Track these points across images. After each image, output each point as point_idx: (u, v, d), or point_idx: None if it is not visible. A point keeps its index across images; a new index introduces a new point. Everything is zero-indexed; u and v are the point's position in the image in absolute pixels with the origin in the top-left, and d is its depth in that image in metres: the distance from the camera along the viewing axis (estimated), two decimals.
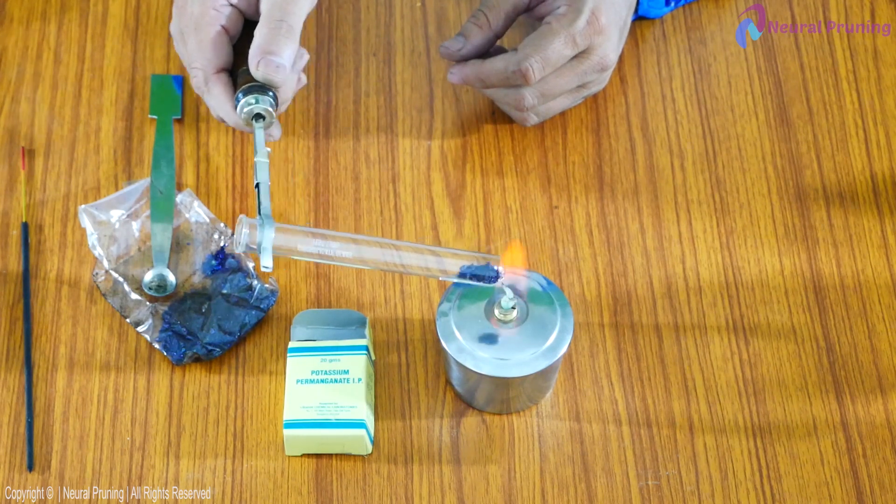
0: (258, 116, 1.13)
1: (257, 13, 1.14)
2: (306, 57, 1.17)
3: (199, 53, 1.14)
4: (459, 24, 1.27)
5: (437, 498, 1.10)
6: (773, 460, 1.10)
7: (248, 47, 1.13)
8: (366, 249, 1.06)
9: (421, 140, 1.23)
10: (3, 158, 1.22)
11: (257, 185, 1.08)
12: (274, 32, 1.11)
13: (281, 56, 1.11)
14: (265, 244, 1.04)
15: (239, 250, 1.05)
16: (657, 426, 1.12)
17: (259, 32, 1.12)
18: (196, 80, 1.15)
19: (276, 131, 1.17)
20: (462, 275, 1.06)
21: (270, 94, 1.13)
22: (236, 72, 1.15)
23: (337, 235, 1.06)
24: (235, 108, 1.13)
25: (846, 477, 1.10)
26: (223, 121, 1.16)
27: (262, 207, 1.07)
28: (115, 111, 1.24)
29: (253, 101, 1.12)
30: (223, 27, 1.14)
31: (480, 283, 1.07)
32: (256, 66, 1.11)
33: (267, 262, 1.05)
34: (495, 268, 1.06)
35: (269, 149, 1.11)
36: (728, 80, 1.25)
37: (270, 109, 1.13)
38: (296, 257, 1.06)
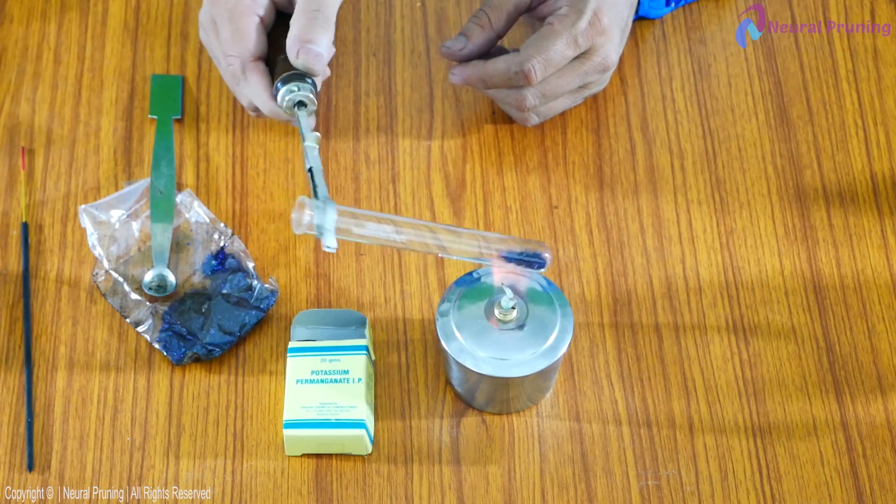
0: (300, 104, 1.13)
1: (289, 4, 1.15)
2: (333, 50, 1.18)
3: (235, 42, 1.14)
4: (459, 25, 1.27)
5: (437, 498, 1.10)
6: (773, 460, 1.11)
7: (280, 37, 1.13)
8: (420, 233, 1.07)
9: (421, 140, 1.23)
10: (3, 158, 1.22)
11: (310, 170, 1.09)
12: (311, 22, 1.12)
13: (319, 45, 1.12)
14: (328, 226, 1.05)
15: (298, 232, 1.05)
16: (657, 426, 1.12)
17: (296, 22, 1.13)
18: (232, 69, 1.15)
19: (312, 119, 1.17)
20: (509, 259, 1.07)
21: (310, 81, 1.13)
22: (269, 62, 1.15)
23: (393, 219, 1.07)
24: (274, 97, 1.14)
25: (846, 477, 1.10)
26: (256, 111, 1.17)
27: (318, 191, 1.07)
28: (115, 111, 1.24)
29: (295, 88, 1.13)
30: (259, 17, 1.15)
31: (528, 269, 1.08)
32: (296, 54, 1.12)
33: (331, 242, 1.05)
34: (543, 254, 1.07)
35: (317, 133, 1.11)
36: (728, 80, 1.25)
37: (312, 96, 1.13)
38: (351, 239, 1.06)
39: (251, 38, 1.15)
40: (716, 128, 1.23)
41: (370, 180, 1.21)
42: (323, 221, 1.05)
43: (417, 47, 1.27)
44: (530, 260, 1.08)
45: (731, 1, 1.29)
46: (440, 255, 1.09)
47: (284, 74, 1.14)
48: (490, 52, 1.20)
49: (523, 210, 1.20)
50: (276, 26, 1.17)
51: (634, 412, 1.12)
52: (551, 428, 1.12)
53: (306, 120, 1.13)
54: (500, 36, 1.20)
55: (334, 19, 1.14)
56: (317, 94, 1.14)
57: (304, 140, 1.11)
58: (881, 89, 1.25)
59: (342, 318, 1.13)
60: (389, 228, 1.07)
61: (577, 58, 1.17)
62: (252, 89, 1.15)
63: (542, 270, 1.09)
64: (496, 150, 1.23)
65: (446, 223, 1.19)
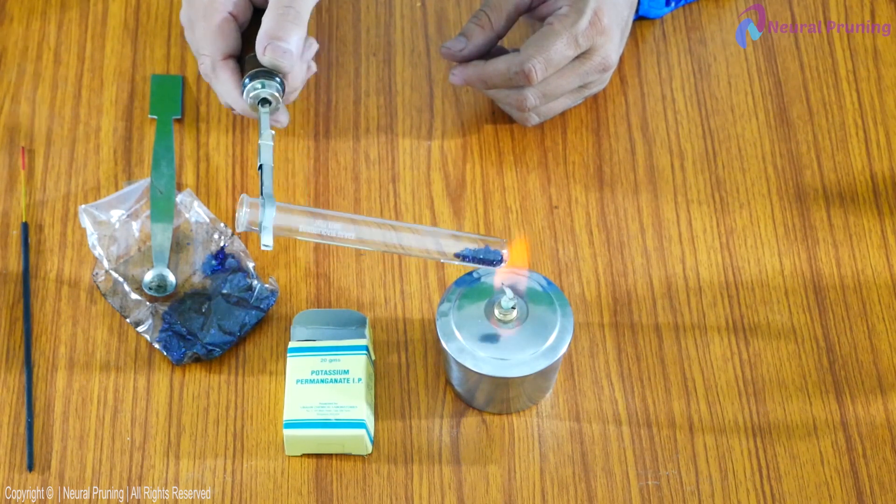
0: (264, 101, 1.13)
1: (266, 1, 1.15)
2: (315, 46, 1.18)
3: (206, 40, 1.15)
4: (459, 25, 1.27)
5: (437, 498, 1.10)
6: (773, 460, 1.11)
7: (257, 34, 1.13)
8: (367, 230, 1.07)
9: (421, 140, 1.23)
10: (3, 158, 1.22)
11: (260, 167, 1.09)
12: (281, 18, 1.12)
13: (288, 42, 1.12)
14: (266, 223, 1.05)
15: (240, 229, 1.06)
16: (657, 426, 1.12)
17: (266, 18, 1.13)
18: (204, 67, 1.16)
19: (283, 117, 1.17)
20: (464, 257, 1.07)
21: (277, 79, 1.13)
22: (244, 59, 1.15)
23: (338, 216, 1.07)
24: (242, 94, 1.14)
25: (846, 477, 1.10)
26: (231, 108, 1.17)
27: (264, 188, 1.08)
28: (115, 111, 1.24)
29: (259, 85, 1.13)
30: (231, 14, 1.15)
31: (482, 266, 1.07)
32: (263, 51, 1.12)
33: (267, 240, 1.06)
34: (499, 251, 1.07)
35: (272, 132, 1.11)
36: (728, 80, 1.25)
37: (276, 94, 1.13)
38: (297, 237, 1.07)
39: (221, 35, 1.15)
40: (716, 128, 1.23)
41: (370, 180, 1.21)
42: (262, 219, 1.05)
43: (417, 47, 1.27)
44: (485, 258, 1.08)
45: (731, 1, 1.29)
46: (395, 252, 1.09)
47: (252, 71, 1.14)
48: (490, 52, 1.20)
49: (523, 210, 1.20)
50: (253, 24, 1.17)
51: (634, 412, 1.12)
52: (551, 428, 1.12)
53: (266, 118, 1.13)
54: (500, 36, 1.20)
55: (307, 16, 1.13)
56: (283, 93, 1.14)
57: (260, 137, 1.11)
58: (881, 89, 1.25)
59: (342, 318, 1.13)
60: (338, 226, 1.07)
61: (577, 58, 1.17)
62: (222, 87, 1.16)
63: (500, 268, 1.08)
64: (496, 150, 1.23)
65: (446, 223, 1.19)
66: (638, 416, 1.12)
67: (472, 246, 1.08)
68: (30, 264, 1.17)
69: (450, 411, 1.13)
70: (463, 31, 1.19)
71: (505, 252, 1.08)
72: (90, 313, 1.16)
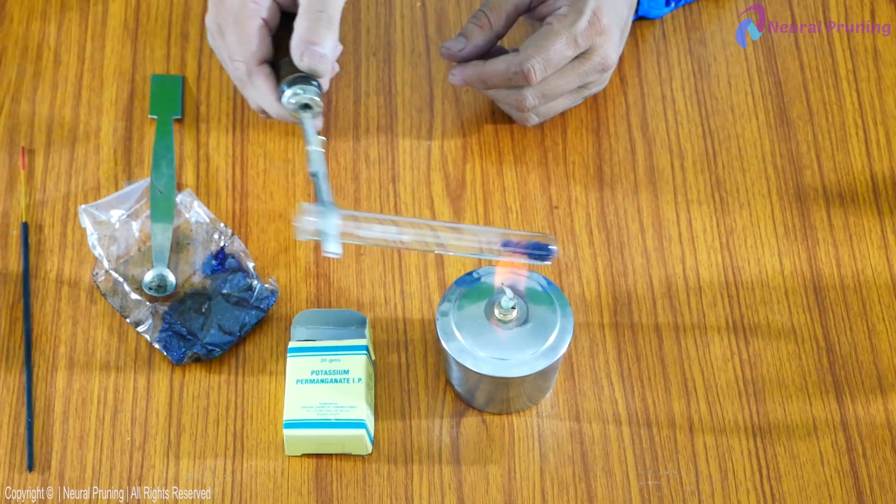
0: (305, 106, 1.13)
1: (294, 5, 1.15)
2: (340, 48, 1.18)
3: (240, 46, 1.15)
4: (459, 25, 1.27)
5: (437, 498, 1.10)
6: (773, 460, 1.11)
7: (286, 39, 1.14)
8: (424, 233, 1.07)
9: (421, 140, 1.23)
10: (3, 158, 1.22)
11: (314, 175, 1.09)
12: (315, 23, 1.12)
13: (323, 46, 1.12)
14: (330, 231, 1.05)
15: (301, 238, 1.05)
16: (657, 426, 1.12)
17: (300, 24, 1.13)
18: (238, 73, 1.16)
19: (318, 121, 1.17)
20: (515, 252, 1.07)
21: (315, 83, 1.13)
22: (276, 64, 1.15)
23: (397, 220, 1.08)
24: (279, 99, 1.14)
25: (846, 477, 1.10)
26: (265, 113, 1.17)
27: (323, 195, 1.08)
28: (115, 111, 1.24)
29: (300, 91, 1.13)
30: (264, 20, 1.15)
31: (536, 262, 1.08)
32: (301, 56, 1.12)
33: (334, 248, 1.05)
34: (550, 246, 1.07)
35: (322, 137, 1.12)
36: (728, 80, 1.25)
37: (317, 99, 1.13)
38: (357, 242, 1.07)
39: (255, 41, 1.15)
40: (716, 128, 1.23)
41: (370, 180, 1.22)
42: (326, 227, 1.05)
43: (417, 47, 1.27)
44: (536, 252, 1.08)
45: (731, 1, 1.29)
46: (452, 254, 1.09)
47: (289, 77, 1.14)
48: (490, 52, 1.20)
49: (523, 210, 1.20)
50: (282, 28, 1.17)
51: (634, 412, 1.12)
52: (551, 428, 1.12)
53: (310, 122, 1.13)
54: (499, 36, 1.20)
55: (339, 19, 1.14)
56: (322, 96, 1.14)
57: (307, 143, 1.11)
58: (881, 89, 1.25)
59: (342, 318, 1.13)
60: (393, 230, 1.07)
61: (576, 58, 1.17)
62: (258, 92, 1.16)
63: (549, 262, 1.08)
64: (496, 150, 1.23)
65: (448, 223, 1.19)
66: (638, 416, 1.12)
67: (522, 241, 1.08)
68: (30, 264, 1.17)
69: (450, 411, 1.13)
70: (463, 31, 1.19)
71: (555, 246, 1.08)
72: (90, 313, 1.16)
